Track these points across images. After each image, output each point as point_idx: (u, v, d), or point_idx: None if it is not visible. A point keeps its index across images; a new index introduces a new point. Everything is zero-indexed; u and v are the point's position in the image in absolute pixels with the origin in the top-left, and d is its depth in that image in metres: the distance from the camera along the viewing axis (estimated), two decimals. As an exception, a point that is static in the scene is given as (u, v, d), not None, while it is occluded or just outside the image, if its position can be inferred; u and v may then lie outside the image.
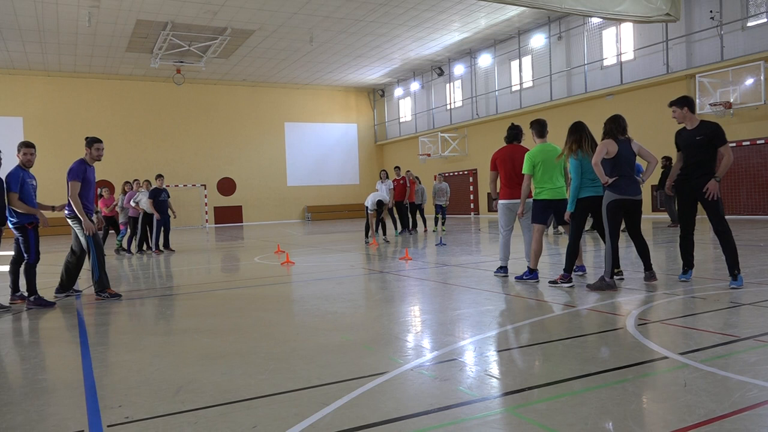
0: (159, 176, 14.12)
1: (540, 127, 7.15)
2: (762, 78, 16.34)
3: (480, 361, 3.85)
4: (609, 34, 21.62)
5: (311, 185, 34.05)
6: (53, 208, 7.32)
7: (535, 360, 3.83)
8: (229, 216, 31.89)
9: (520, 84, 25.47)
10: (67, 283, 7.33)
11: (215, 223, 31.47)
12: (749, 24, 17.28)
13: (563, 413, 2.82)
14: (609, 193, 6.20)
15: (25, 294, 6.71)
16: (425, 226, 18.38)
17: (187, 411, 3.07)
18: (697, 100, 17.96)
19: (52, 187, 23.29)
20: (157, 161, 29.30)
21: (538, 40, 23.95)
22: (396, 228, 16.87)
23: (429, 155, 29.77)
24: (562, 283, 6.51)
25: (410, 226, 17.28)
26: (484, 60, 26.93)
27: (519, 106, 25.26)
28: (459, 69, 28.54)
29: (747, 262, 7.67)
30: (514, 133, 7.58)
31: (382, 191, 15.17)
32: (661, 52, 19.52)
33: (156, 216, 13.62)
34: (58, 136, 27.31)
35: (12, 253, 6.99)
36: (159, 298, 7.30)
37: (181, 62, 26.12)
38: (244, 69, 28.94)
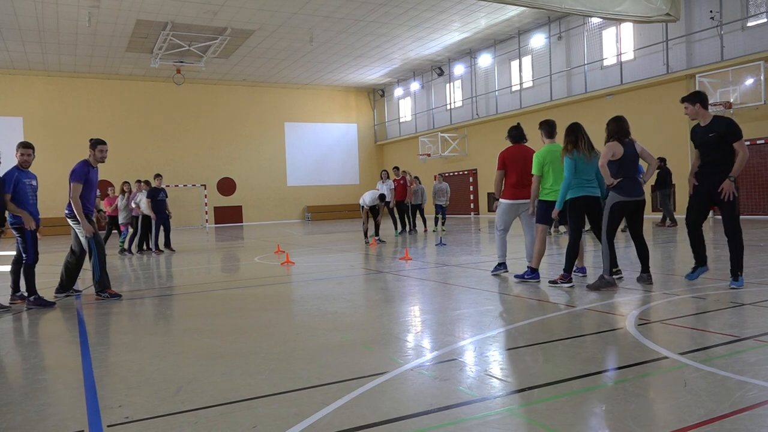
0: (157, 176, 14.12)
1: (549, 128, 7.18)
2: (762, 78, 16.34)
3: (480, 361, 3.85)
4: (609, 34, 21.62)
5: (311, 185, 34.05)
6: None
7: (535, 360, 3.83)
8: (229, 216, 31.89)
9: (520, 84, 25.47)
10: (67, 283, 7.33)
11: (215, 223, 31.47)
12: (749, 24, 17.28)
13: (563, 413, 2.82)
14: (614, 195, 6.23)
15: (25, 294, 6.70)
16: (425, 226, 18.38)
17: (187, 411, 3.07)
18: (698, 100, 17.97)
19: (52, 187, 23.31)
20: (157, 161, 29.29)
21: (538, 40, 23.95)
22: (396, 228, 16.87)
23: (429, 155, 29.76)
24: (562, 283, 6.52)
25: (409, 227, 17.29)
26: (484, 60, 26.93)
27: (519, 106, 25.26)
28: (459, 69, 28.54)
29: (747, 262, 7.66)
30: (521, 133, 7.59)
31: (384, 191, 15.15)
32: (661, 52, 19.52)
33: (152, 216, 13.62)
34: (58, 136, 27.31)
35: (13, 253, 6.99)
36: (159, 298, 7.31)
37: (181, 62, 26.12)
38: (244, 69, 28.94)
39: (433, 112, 31.27)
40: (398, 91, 33.43)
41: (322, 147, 34.37)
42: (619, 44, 21.19)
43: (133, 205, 13.83)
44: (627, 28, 20.72)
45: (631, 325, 4.53)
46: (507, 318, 5.23)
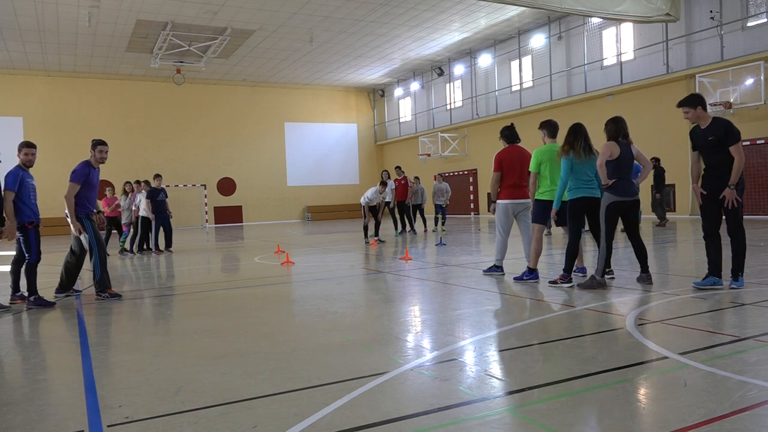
0: (157, 176, 14.11)
1: (552, 129, 7.22)
2: (762, 78, 16.34)
3: (480, 361, 3.85)
4: (609, 34, 21.62)
5: (311, 185, 34.05)
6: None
7: (535, 360, 3.83)
8: (229, 216, 31.88)
9: (520, 84, 25.47)
10: (66, 283, 7.33)
11: (215, 223, 31.47)
12: (749, 24, 17.28)
13: (563, 413, 2.82)
14: (608, 195, 6.26)
15: (26, 294, 6.71)
16: (425, 226, 18.38)
17: (187, 411, 3.07)
18: (698, 101, 17.97)
19: (52, 187, 23.33)
20: (157, 161, 29.29)
21: (538, 40, 23.95)
22: (396, 228, 16.87)
23: (429, 155, 29.76)
24: (562, 283, 6.54)
25: (409, 227, 17.29)
26: (484, 60, 26.93)
27: (519, 106, 25.26)
28: (459, 69, 28.54)
29: (747, 262, 7.64)
30: (514, 133, 7.62)
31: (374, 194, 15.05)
32: (661, 52, 19.52)
33: (151, 217, 13.61)
34: (58, 136, 27.31)
35: (14, 252, 6.99)
36: (159, 298, 7.31)
37: (181, 62, 26.12)
38: (244, 69, 28.94)
39: (433, 112, 31.27)
40: (398, 91, 33.43)
41: (322, 147, 34.36)
42: (619, 44, 21.19)
43: (134, 208, 13.83)
44: (627, 28, 20.72)
45: (631, 325, 4.53)
46: (507, 318, 5.23)
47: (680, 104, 6.03)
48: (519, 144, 7.61)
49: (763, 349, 3.78)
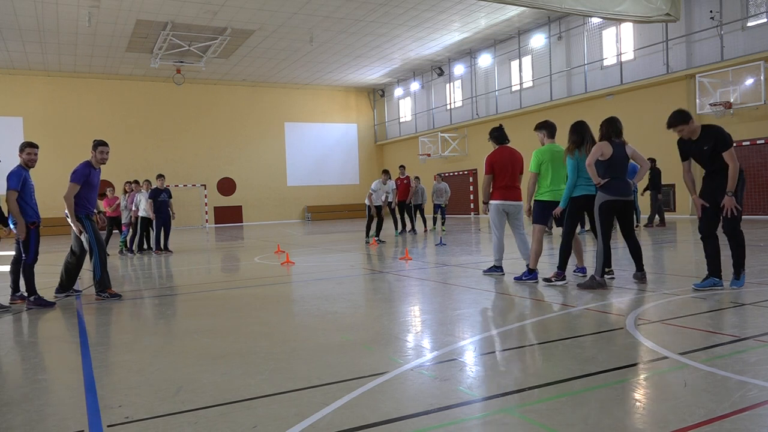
0: (159, 176, 14.10)
1: (552, 129, 7.25)
2: (762, 78, 16.34)
3: (480, 361, 3.85)
4: (609, 34, 21.62)
5: (311, 185, 34.05)
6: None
7: (535, 360, 3.83)
8: (229, 216, 31.88)
9: (520, 84, 25.47)
10: (66, 284, 7.34)
11: (215, 223, 31.47)
12: (749, 24, 17.28)
13: (563, 413, 2.82)
14: (601, 194, 6.30)
15: (25, 294, 6.70)
16: (425, 226, 18.38)
17: (187, 411, 3.07)
18: (697, 100, 17.98)
19: (52, 187, 23.33)
20: (157, 161, 29.29)
21: (538, 40, 23.95)
22: (396, 228, 16.87)
23: (429, 155, 29.77)
24: (556, 280, 6.60)
25: (410, 226, 17.30)
26: (484, 60, 26.93)
27: (519, 106, 25.26)
28: (459, 69, 28.54)
29: (747, 262, 7.65)
30: (503, 134, 7.66)
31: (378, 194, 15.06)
32: (661, 52, 19.52)
33: (152, 217, 13.60)
34: (58, 136, 27.30)
35: (13, 253, 6.99)
36: (159, 298, 7.31)
37: (181, 62, 26.12)
38: (244, 69, 28.94)
39: (433, 112, 31.27)
40: (398, 91, 33.42)
41: (322, 147, 34.36)
42: (619, 44, 21.19)
43: (134, 208, 13.82)
44: (627, 28, 20.72)
45: (630, 325, 4.53)
46: (507, 318, 5.23)
47: (673, 125, 5.83)
48: (509, 145, 7.65)
49: (763, 349, 3.78)
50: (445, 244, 12.71)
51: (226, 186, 31.88)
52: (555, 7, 10.72)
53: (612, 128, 6.34)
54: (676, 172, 18.28)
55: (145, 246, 14.09)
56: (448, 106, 30.12)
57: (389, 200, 14.95)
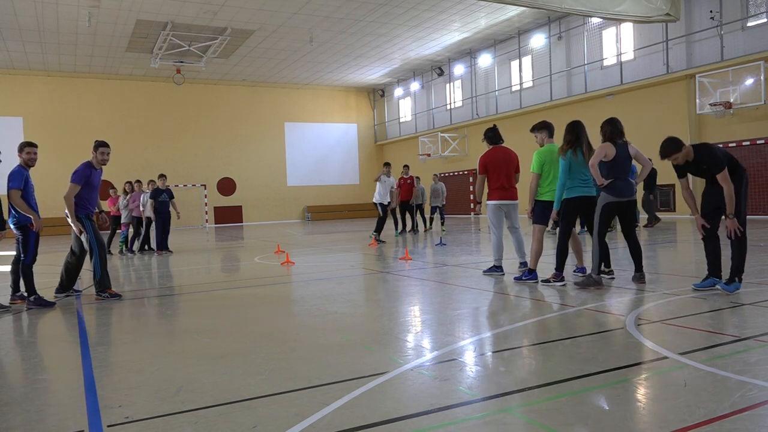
0: (161, 176, 14.09)
1: (552, 129, 7.29)
2: (762, 78, 16.34)
3: (480, 361, 3.85)
4: (609, 34, 21.62)
5: (311, 185, 34.05)
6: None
7: (535, 360, 3.83)
8: (229, 216, 31.88)
9: (520, 84, 25.47)
10: (66, 284, 7.34)
11: (215, 223, 31.47)
12: (749, 24, 17.28)
13: (563, 413, 2.82)
14: (605, 195, 6.31)
15: (25, 294, 6.70)
16: (425, 226, 18.39)
17: (187, 411, 3.07)
18: (697, 100, 18.00)
19: (52, 187, 23.32)
20: (158, 161, 29.29)
21: (538, 40, 23.95)
22: (396, 228, 16.86)
23: (429, 155, 29.76)
24: (554, 281, 6.60)
25: (411, 226, 17.31)
26: (484, 60, 26.93)
27: (519, 106, 25.26)
28: (459, 69, 28.53)
29: (747, 262, 7.65)
30: (497, 134, 7.71)
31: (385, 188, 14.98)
32: (661, 52, 19.52)
33: (152, 217, 13.60)
34: (58, 136, 27.31)
35: (14, 252, 6.99)
36: (159, 298, 7.31)
37: (181, 62, 26.12)
38: (244, 69, 28.94)
39: (433, 112, 31.26)
40: (398, 91, 33.42)
41: (322, 147, 34.36)
42: (619, 44, 21.19)
43: (141, 208, 13.85)
44: (627, 28, 20.72)
45: (630, 325, 4.53)
46: (506, 318, 5.23)
47: (667, 154, 5.76)
48: (503, 145, 7.68)
49: (763, 349, 3.78)
50: (445, 244, 12.71)
51: (226, 186, 31.88)
52: (555, 7, 10.73)
53: (614, 129, 6.36)
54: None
55: (147, 247, 14.08)
56: (448, 106, 30.12)
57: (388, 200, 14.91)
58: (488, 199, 7.63)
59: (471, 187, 28.62)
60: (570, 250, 6.91)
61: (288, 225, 29.04)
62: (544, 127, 7.26)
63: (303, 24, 22.13)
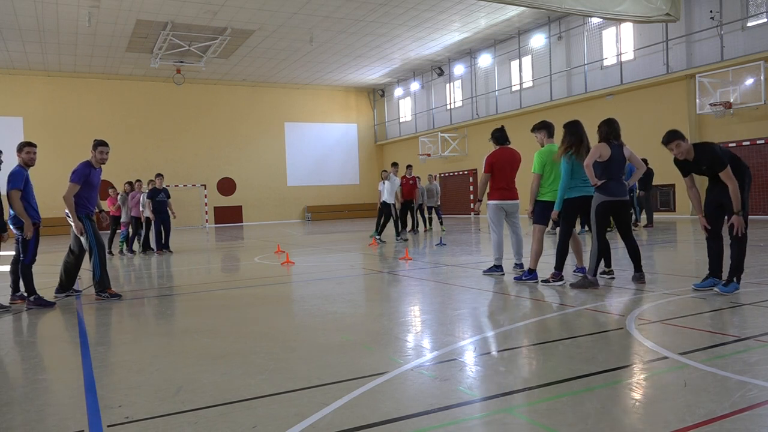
0: (158, 175, 14.09)
1: (552, 129, 7.30)
2: (762, 78, 16.34)
3: (480, 361, 3.85)
4: (609, 34, 21.62)
5: (311, 185, 34.05)
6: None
7: (535, 360, 3.83)
8: (229, 216, 31.88)
9: (520, 84, 25.47)
10: (66, 283, 7.33)
11: (215, 223, 31.47)
12: (749, 24, 17.28)
13: (563, 413, 2.82)
14: (598, 195, 6.33)
15: (25, 294, 6.70)
16: (425, 226, 18.39)
17: (187, 411, 3.07)
18: (697, 100, 17.98)
19: (52, 187, 23.29)
20: (157, 161, 29.29)
21: (538, 40, 23.95)
22: (396, 228, 16.83)
23: (429, 155, 29.76)
24: (554, 281, 6.61)
25: (411, 226, 17.30)
26: (484, 60, 26.93)
27: (519, 106, 25.25)
28: (459, 69, 28.53)
29: (747, 262, 7.64)
30: (504, 135, 7.74)
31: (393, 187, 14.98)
32: (661, 52, 19.51)
33: (151, 217, 13.60)
34: (58, 136, 27.31)
35: (13, 253, 6.98)
36: (159, 298, 7.30)
37: (181, 62, 26.12)
38: (244, 69, 28.94)
39: (433, 112, 31.26)
40: (398, 91, 33.43)
41: (322, 147, 34.36)
42: (619, 44, 21.19)
43: (141, 208, 13.85)
44: (627, 28, 20.72)
45: (630, 325, 4.53)
46: (506, 318, 5.23)
47: (669, 140, 5.76)
48: (509, 146, 7.70)
49: (763, 349, 3.78)
50: (445, 244, 12.71)
51: (226, 186, 31.88)
52: (555, 7, 10.73)
53: (611, 130, 6.37)
54: (676, 172, 18.29)
55: (147, 247, 14.09)
56: (448, 106, 30.11)
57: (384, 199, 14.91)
58: (489, 199, 7.67)
59: (471, 187, 28.62)
60: (570, 250, 6.91)
61: (288, 225, 29.04)
62: (543, 127, 7.27)
63: (303, 24, 22.13)
